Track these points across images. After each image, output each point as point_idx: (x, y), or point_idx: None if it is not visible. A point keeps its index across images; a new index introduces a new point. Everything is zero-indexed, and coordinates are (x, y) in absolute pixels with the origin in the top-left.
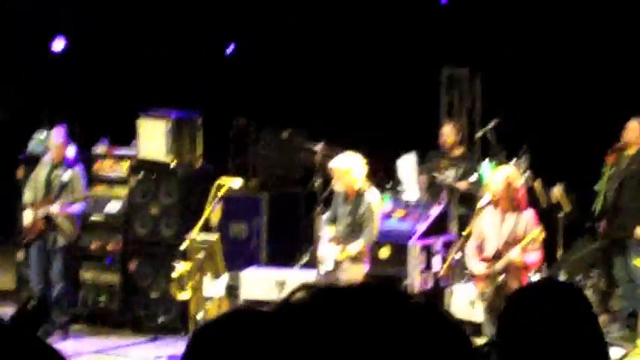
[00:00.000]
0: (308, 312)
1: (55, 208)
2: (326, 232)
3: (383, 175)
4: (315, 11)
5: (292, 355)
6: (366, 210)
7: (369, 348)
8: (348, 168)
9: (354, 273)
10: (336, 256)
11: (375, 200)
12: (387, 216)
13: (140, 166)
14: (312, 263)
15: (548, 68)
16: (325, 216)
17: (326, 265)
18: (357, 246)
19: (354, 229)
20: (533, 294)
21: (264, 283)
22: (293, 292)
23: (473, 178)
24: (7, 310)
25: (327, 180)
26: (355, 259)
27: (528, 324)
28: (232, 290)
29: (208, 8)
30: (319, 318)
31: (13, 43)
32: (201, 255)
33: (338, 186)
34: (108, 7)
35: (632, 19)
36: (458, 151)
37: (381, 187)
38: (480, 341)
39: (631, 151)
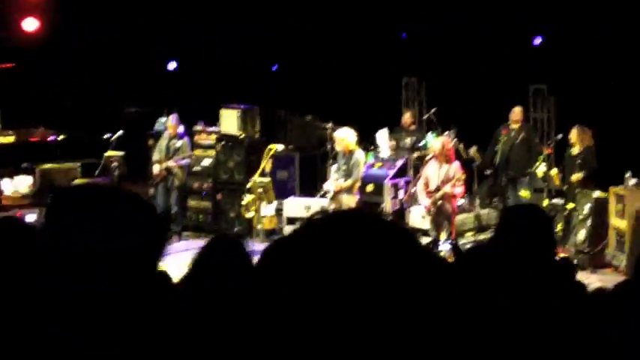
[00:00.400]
0: (322, 226)
1: (172, 163)
2: (333, 175)
3: (367, 142)
4: (319, 40)
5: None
6: (354, 162)
7: (360, 252)
8: (345, 136)
9: (349, 200)
10: (334, 188)
11: (361, 156)
12: (370, 166)
13: (222, 137)
14: (325, 194)
15: (469, 75)
16: (334, 167)
17: (329, 194)
18: (347, 182)
19: (347, 174)
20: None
21: (298, 207)
22: (313, 214)
23: (421, 143)
24: None
25: (333, 146)
26: (349, 190)
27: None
28: (279, 211)
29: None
30: (328, 231)
31: (137, 62)
32: (260, 190)
33: (338, 147)
34: (201, 41)
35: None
36: (412, 127)
37: (366, 149)
38: (426, 240)
39: (516, 126)
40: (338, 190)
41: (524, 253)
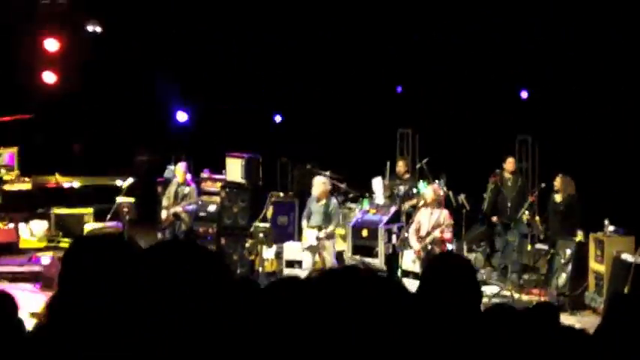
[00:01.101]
0: (321, 284)
1: (179, 208)
2: (304, 222)
3: (363, 189)
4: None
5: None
6: (333, 207)
7: (355, 304)
8: (325, 182)
9: (329, 246)
10: (319, 235)
11: (337, 203)
12: (366, 212)
13: (227, 184)
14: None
15: (460, 126)
16: (304, 213)
17: (310, 242)
18: (331, 228)
19: (326, 219)
20: (443, 262)
21: (297, 251)
22: (311, 273)
23: (414, 191)
24: None
25: (332, 191)
26: (329, 237)
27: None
28: (279, 255)
29: (258, 89)
30: (326, 289)
31: (149, 113)
32: (261, 235)
33: (315, 192)
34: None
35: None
36: (406, 176)
37: (362, 195)
38: (416, 284)
39: (511, 175)
40: (324, 237)
41: (449, 302)
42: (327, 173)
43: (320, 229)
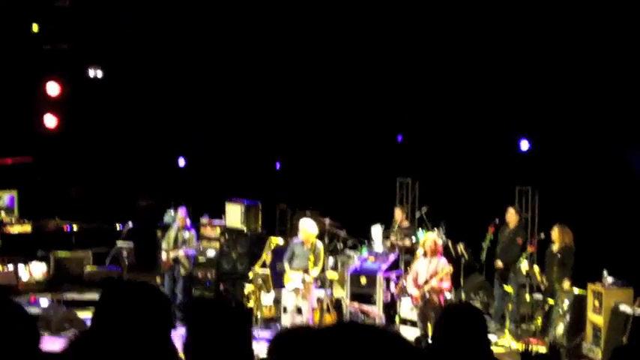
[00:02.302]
0: (328, 337)
1: (181, 252)
2: (286, 265)
3: (362, 237)
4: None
5: None
6: (319, 251)
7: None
8: (312, 227)
9: (312, 290)
10: (305, 279)
11: (322, 247)
12: (365, 260)
13: (226, 230)
14: (323, 285)
15: (459, 175)
16: (285, 256)
17: (295, 284)
18: (316, 272)
19: (314, 262)
20: (455, 312)
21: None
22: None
23: (413, 240)
24: None
25: (332, 239)
26: (312, 282)
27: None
28: (277, 301)
29: (257, 137)
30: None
31: (149, 159)
32: (260, 280)
33: (303, 237)
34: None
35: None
36: (405, 224)
37: (361, 243)
38: (415, 333)
39: (511, 226)
40: (310, 280)
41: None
42: (327, 220)
43: (305, 271)
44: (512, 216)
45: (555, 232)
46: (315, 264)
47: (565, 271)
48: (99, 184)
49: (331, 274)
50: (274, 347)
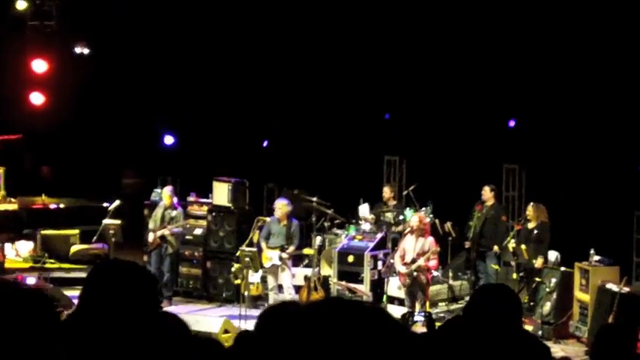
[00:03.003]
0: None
1: (166, 231)
2: (263, 244)
3: (350, 216)
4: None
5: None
6: (295, 229)
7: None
8: (286, 204)
9: (287, 267)
10: (282, 255)
11: (298, 224)
12: (352, 238)
13: (214, 208)
14: (311, 264)
15: (447, 154)
16: (261, 234)
17: (273, 262)
18: (292, 248)
19: (288, 240)
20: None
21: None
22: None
23: (400, 218)
24: None
25: (319, 217)
26: (288, 258)
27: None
28: (265, 279)
29: (246, 115)
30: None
31: (137, 136)
32: (247, 259)
33: (278, 214)
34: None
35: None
36: (392, 202)
37: (349, 222)
38: (402, 310)
39: (488, 203)
40: (287, 257)
41: (494, 329)
42: (314, 199)
43: (282, 249)
44: (486, 194)
45: (530, 211)
46: (292, 242)
47: (541, 248)
48: (78, 162)
49: (307, 250)
50: (262, 323)
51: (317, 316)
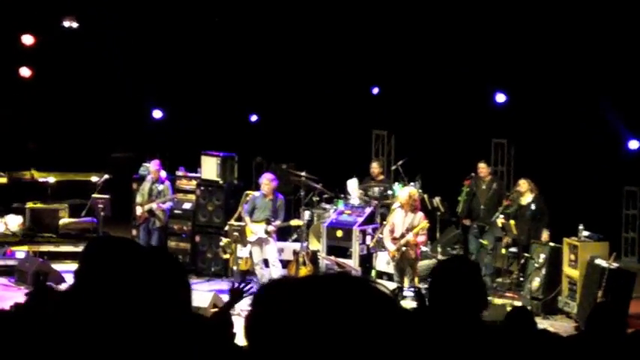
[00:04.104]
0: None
1: (154, 205)
2: (247, 218)
3: (338, 190)
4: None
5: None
6: (280, 204)
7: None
8: (273, 179)
9: (273, 241)
10: (268, 229)
11: (284, 199)
12: (340, 213)
13: (202, 182)
14: (299, 238)
15: (435, 129)
16: (246, 208)
17: (258, 235)
18: (278, 222)
19: (273, 214)
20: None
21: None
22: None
23: (389, 193)
24: None
25: (308, 192)
26: (274, 231)
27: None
28: (252, 254)
29: (235, 89)
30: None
31: (125, 110)
32: (235, 233)
33: (265, 189)
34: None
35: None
36: (380, 177)
37: (337, 197)
38: (391, 286)
39: (487, 179)
40: (273, 230)
41: (455, 304)
42: (303, 173)
43: (267, 222)
44: (483, 170)
45: (524, 185)
46: (277, 216)
47: (542, 223)
48: (67, 137)
49: (296, 221)
50: (259, 299)
51: (321, 290)
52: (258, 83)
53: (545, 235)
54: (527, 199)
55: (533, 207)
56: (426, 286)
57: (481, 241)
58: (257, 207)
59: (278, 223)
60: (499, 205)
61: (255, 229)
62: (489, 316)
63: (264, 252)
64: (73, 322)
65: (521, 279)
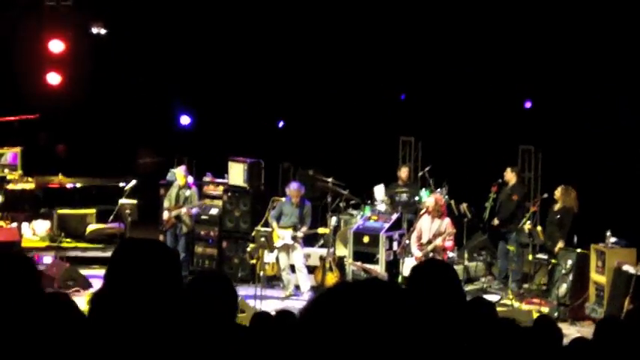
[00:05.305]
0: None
1: (184, 210)
2: (274, 223)
3: (366, 196)
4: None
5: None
6: (307, 211)
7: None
8: (301, 189)
9: (299, 247)
10: (295, 235)
11: (310, 205)
12: (367, 219)
13: (229, 188)
14: (326, 244)
15: (463, 135)
16: (272, 214)
17: (285, 241)
18: (304, 228)
19: (300, 220)
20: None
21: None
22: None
23: (416, 199)
24: None
25: (335, 198)
26: (301, 237)
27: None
28: (278, 259)
29: (263, 96)
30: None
31: (154, 116)
32: (262, 239)
33: (295, 198)
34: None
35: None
36: (407, 182)
37: (364, 202)
38: None
39: (510, 184)
40: (301, 236)
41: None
42: (330, 179)
43: (294, 229)
44: (508, 174)
45: (558, 192)
46: (304, 222)
47: (561, 232)
48: (95, 142)
49: (323, 229)
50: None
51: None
52: (285, 89)
53: (559, 245)
54: (557, 206)
55: (557, 217)
56: None
57: (508, 246)
58: (284, 212)
59: (305, 229)
60: (517, 211)
61: (282, 235)
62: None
63: (291, 258)
64: (103, 321)
65: (545, 286)
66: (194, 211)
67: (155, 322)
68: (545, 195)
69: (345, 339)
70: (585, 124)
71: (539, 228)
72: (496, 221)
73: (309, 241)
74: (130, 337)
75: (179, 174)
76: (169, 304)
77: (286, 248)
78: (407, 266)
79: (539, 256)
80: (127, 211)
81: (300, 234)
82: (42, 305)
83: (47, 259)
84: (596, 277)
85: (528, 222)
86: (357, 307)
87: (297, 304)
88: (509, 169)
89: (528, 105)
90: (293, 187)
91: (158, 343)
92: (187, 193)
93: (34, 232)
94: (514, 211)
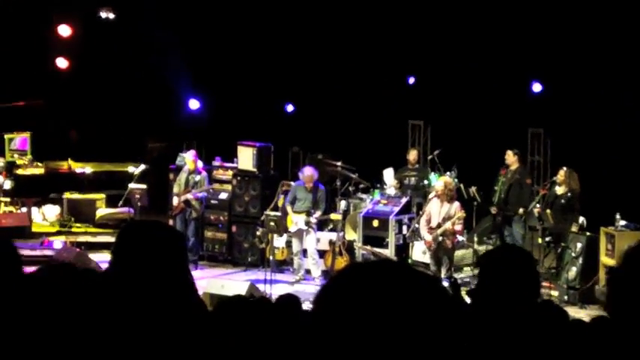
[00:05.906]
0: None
1: (190, 196)
2: (289, 208)
3: (376, 180)
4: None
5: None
6: (321, 195)
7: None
8: (315, 174)
9: (313, 232)
10: (309, 220)
11: (324, 190)
12: (377, 203)
13: (239, 173)
14: (335, 228)
15: (471, 118)
16: (287, 199)
17: (299, 227)
18: (319, 213)
19: (314, 205)
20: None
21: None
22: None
23: (425, 182)
24: None
25: (344, 182)
26: (315, 222)
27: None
28: (289, 243)
29: (271, 79)
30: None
31: (163, 101)
32: (272, 223)
33: (309, 184)
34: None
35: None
36: (416, 165)
37: (373, 186)
38: None
39: (513, 168)
40: (314, 221)
41: (507, 295)
42: (339, 163)
43: (308, 214)
44: (510, 157)
45: (562, 175)
46: (318, 207)
47: (572, 216)
48: (103, 127)
49: (335, 215)
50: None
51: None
52: (294, 73)
53: (573, 228)
54: (561, 189)
55: (563, 201)
56: (462, 275)
57: (516, 229)
58: (298, 197)
59: (319, 214)
60: (521, 194)
61: (296, 220)
62: None
63: (304, 242)
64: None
65: (554, 269)
66: (200, 195)
67: (160, 302)
68: (555, 178)
69: (361, 323)
70: (594, 106)
71: (548, 211)
72: (494, 209)
73: (319, 225)
74: (135, 317)
75: (188, 159)
76: (174, 285)
77: (300, 233)
78: (416, 250)
79: (549, 239)
80: (137, 196)
81: (313, 219)
82: (23, 290)
83: (57, 244)
84: (606, 260)
85: (538, 205)
86: (372, 289)
87: (307, 289)
88: (510, 152)
89: (537, 88)
90: (307, 172)
91: (163, 324)
92: (197, 178)
93: (44, 217)
94: (523, 195)
